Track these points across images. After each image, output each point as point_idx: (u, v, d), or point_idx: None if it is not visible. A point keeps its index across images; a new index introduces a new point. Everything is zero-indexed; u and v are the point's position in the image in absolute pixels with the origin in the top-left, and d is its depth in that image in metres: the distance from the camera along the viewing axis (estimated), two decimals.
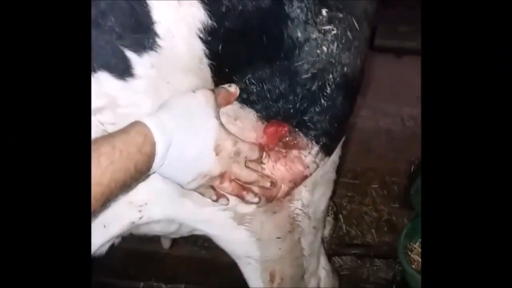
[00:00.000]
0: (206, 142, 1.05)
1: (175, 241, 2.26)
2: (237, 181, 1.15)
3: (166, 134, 0.99)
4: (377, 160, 3.08)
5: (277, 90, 1.10)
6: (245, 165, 1.14)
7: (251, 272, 1.45)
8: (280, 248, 1.38)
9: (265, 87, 1.10)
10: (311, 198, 1.37)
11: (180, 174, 1.07)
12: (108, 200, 0.92)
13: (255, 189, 1.18)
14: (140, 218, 1.24)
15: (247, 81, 1.09)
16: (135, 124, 0.98)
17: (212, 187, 1.14)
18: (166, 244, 1.91)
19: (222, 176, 1.11)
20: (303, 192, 1.33)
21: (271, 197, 1.22)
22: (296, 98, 1.12)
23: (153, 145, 0.97)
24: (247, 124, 1.15)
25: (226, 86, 1.10)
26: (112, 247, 1.35)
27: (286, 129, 1.16)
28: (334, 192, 2.98)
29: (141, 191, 1.15)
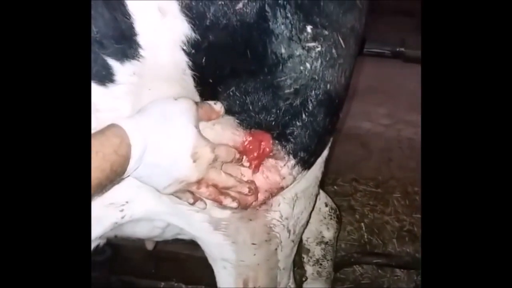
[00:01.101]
0: (183, 149, 1.05)
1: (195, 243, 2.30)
2: (215, 186, 1.14)
3: (142, 137, 0.99)
4: (399, 170, 3.08)
5: (259, 103, 1.10)
6: (223, 170, 1.13)
7: (226, 277, 1.45)
8: (255, 255, 1.38)
9: (248, 99, 1.10)
10: (291, 212, 1.36)
11: (156, 179, 1.08)
12: None
13: (233, 193, 1.17)
14: (123, 217, 1.26)
15: (231, 93, 1.09)
16: (112, 126, 0.98)
17: (189, 191, 1.14)
18: (149, 245, 1.93)
19: (199, 182, 1.10)
20: (281, 204, 1.32)
21: (246, 205, 1.21)
22: (278, 111, 1.12)
23: (129, 147, 0.97)
24: (226, 130, 1.15)
25: (211, 102, 1.10)
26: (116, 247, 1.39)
27: (268, 148, 1.17)
28: (355, 200, 3.01)
29: (121, 190, 1.16)
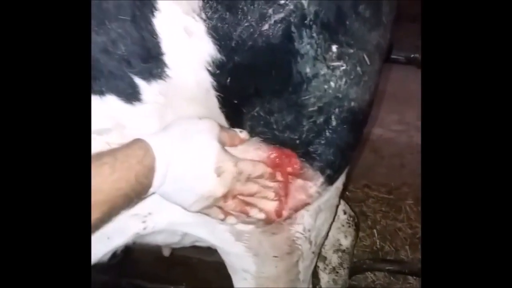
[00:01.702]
0: (206, 164, 1.05)
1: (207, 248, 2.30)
2: (240, 197, 1.14)
3: (166, 151, 1.00)
4: (411, 176, 3.05)
5: (283, 122, 1.10)
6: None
7: None
8: (276, 267, 1.38)
9: (272, 119, 1.10)
10: (314, 224, 1.36)
11: (182, 196, 1.08)
12: (110, 209, 0.93)
13: (259, 204, 1.18)
14: (144, 228, 1.26)
15: (255, 113, 1.09)
16: (136, 140, 1.00)
17: (218, 207, 1.14)
18: (166, 251, 1.94)
19: (225, 196, 1.10)
20: (305, 217, 1.32)
21: (270, 219, 1.21)
22: (302, 129, 1.12)
23: (153, 159, 0.98)
24: (250, 146, 1.15)
25: (237, 130, 1.11)
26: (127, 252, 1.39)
27: (296, 164, 1.16)
28: (367, 206, 3.00)
29: (144, 202, 1.15)
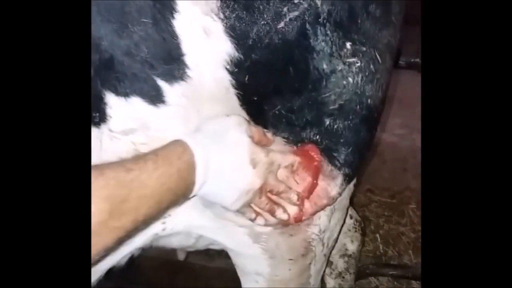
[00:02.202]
0: (241, 158, 1.08)
1: (209, 254, 2.29)
2: (270, 195, 1.16)
3: (203, 148, 1.03)
4: (414, 180, 3.05)
5: (304, 120, 1.12)
6: (277, 175, 1.15)
7: None
8: (290, 270, 1.38)
9: (293, 117, 1.12)
10: (328, 224, 1.36)
11: (224, 194, 1.09)
12: (157, 204, 0.95)
13: (284, 204, 1.19)
14: (164, 229, 1.27)
15: (277, 112, 1.11)
16: (173, 140, 1.03)
17: (250, 206, 1.16)
18: (181, 255, 1.95)
19: (260, 190, 1.12)
20: (322, 218, 1.33)
21: (289, 222, 1.22)
22: (323, 128, 1.14)
23: (192, 155, 1.01)
24: (274, 146, 1.16)
25: (264, 130, 1.14)
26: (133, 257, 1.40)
27: (319, 159, 1.17)
28: (370, 211, 2.99)
29: None
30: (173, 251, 2.08)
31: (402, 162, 3.15)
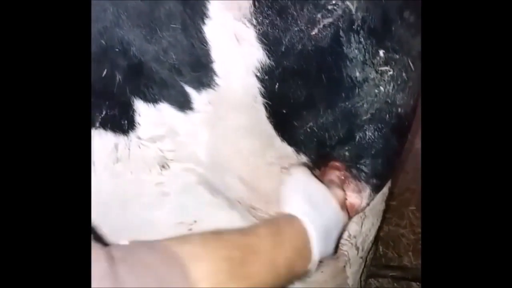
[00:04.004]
0: (333, 204, 1.08)
1: None
2: None
3: (312, 222, 1.02)
4: (414, 182, 3.04)
5: (337, 137, 1.10)
6: None
7: None
8: (322, 272, 1.36)
9: (326, 135, 1.09)
10: (360, 230, 1.35)
11: (329, 249, 1.09)
12: (276, 273, 0.94)
13: None
14: None
15: (308, 129, 1.08)
16: (283, 214, 1.03)
17: None
18: None
19: None
20: (350, 224, 1.30)
21: None
22: (353, 144, 1.12)
23: (304, 228, 1.00)
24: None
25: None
26: None
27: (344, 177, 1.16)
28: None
29: (190, 209, 1.18)
30: None
31: (401, 164, 3.14)
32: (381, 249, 2.85)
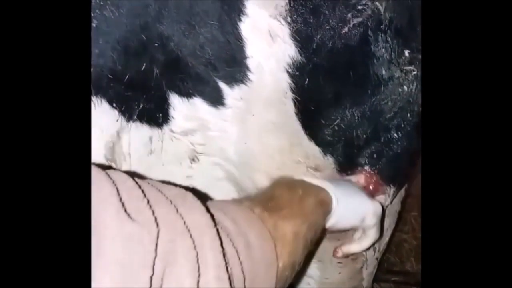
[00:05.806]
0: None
1: None
2: None
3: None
4: (416, 187, 3.04)
5: (363, 136, 1.12)
6: None
7: None
8: (340, 273, 1.37)
9: (353, 133, 1.12)
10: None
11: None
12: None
13: None
14: None
15: (336, 127, 1.10)
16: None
17: None
18: None
19: None
20: None
21: None
22: (378, 142, 1.14)
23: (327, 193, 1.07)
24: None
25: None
26: None
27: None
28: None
29: None
30: None
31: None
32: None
